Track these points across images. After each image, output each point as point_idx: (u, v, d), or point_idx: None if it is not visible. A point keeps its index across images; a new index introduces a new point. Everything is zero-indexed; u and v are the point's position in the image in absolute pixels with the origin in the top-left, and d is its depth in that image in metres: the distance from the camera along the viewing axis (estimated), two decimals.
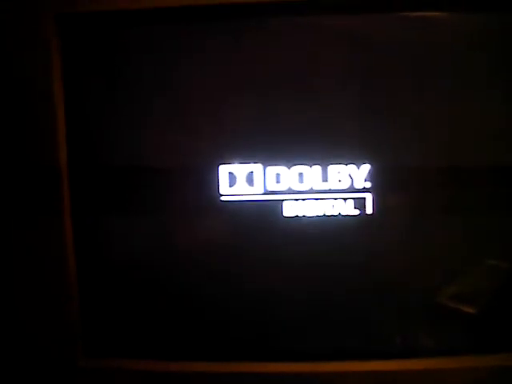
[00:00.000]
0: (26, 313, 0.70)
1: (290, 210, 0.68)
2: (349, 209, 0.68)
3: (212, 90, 0.68)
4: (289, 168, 0.67)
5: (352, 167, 0.67)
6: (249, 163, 0.67)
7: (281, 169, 0.67)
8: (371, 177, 0.67)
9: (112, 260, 0.71)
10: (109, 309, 0.72)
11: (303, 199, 0.67)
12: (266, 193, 0.68)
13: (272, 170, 0.67)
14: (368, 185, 0.67)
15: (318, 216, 0.68)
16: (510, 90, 0.66)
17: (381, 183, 0.67)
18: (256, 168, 0.67)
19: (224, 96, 0.68)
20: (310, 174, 0.67)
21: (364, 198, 0.67)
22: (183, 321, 0.72)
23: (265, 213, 0.68)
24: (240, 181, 0.67)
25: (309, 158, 0.67)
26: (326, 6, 0.65)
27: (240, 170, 0.67)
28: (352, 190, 0.67)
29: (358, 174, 0.67)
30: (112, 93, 0.68)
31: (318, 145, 0.67)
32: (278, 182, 0.67)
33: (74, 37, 0.67)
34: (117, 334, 0.72)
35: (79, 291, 0.70)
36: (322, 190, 0.67)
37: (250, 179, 0.67)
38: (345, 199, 0.67)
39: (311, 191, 0.67)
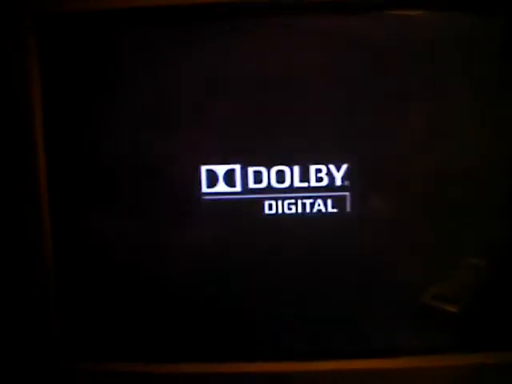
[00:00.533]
0: (5, 316, 0.70)
1: (270, 208, 0.68)
2: (330, 207, 0.68)
3: (193, 91, 0.68)
4: (268, 168, 0.67)
5: (332, 167, 0.67)
6: (229, 163, 0.67)
7: (261, 168, 0.67)
8: (351, 176, 0.67)
9: (95, 261, 0.71)
10: (90, 310, 0.71)
11: (283, 198, 0.68)
12: (247, 192, 0.68)
13: (252, 169, 0.67)
14: (348, 183, 0.67)
15: (298, 214, 0.68)
16: (495, 91, 0.67)
17: (361, 182, 0.67)
18: (236, 167, 0.67)
19: (205, 97, 0.68)
20: (289, 174, 0.67)
21: (344, 197, 0.67)
22: (166, 321, 0.71)
23: (246, 211, 0.68)
24: (221, 180, 0.67)
25: (289, 157, 0.67)
26: (308, 7, 0.65)
27: (221, 169, 0.67)
28: (332, 188, 0.67)
29: (338, 174, 0.67)
30: (92, 93, 0.68)
31: (297, 144, 0.67)
32: (258, 181, 0.67)
33: (53, 38, 0.66)
34: (99, 337, 0.72)
35: (60, 292, 0.70)
36: (302, 187, 0.67)
37: (230, 178, 0.67)
38: (325, 198, 0.68)
39: (291, 189, 0.67)
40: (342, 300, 0.70)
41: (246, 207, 0.68)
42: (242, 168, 0.67)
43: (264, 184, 0.67)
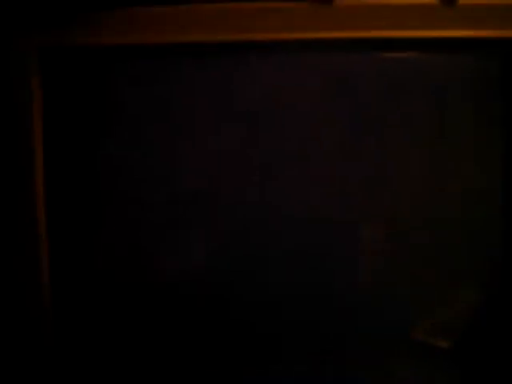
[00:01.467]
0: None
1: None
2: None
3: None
4: None
5: None
6: None
7: None
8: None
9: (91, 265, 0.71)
10: (85, 315, 0.71)
11: None
12: None
13: None
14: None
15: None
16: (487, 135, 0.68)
17: (351, 215, 0.69)
18: None
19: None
20: None
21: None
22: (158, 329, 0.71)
23: None
24: None
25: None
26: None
27: None
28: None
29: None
30: (90, 125, 0.69)
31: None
32: None
33: (57, 72, 0.68)
34: (93, 341, 0.72)
35: (55, 295, 0.70)
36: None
37: None
38: None
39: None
40: (332, 333, 0.70)
41: None
42: None
43: None
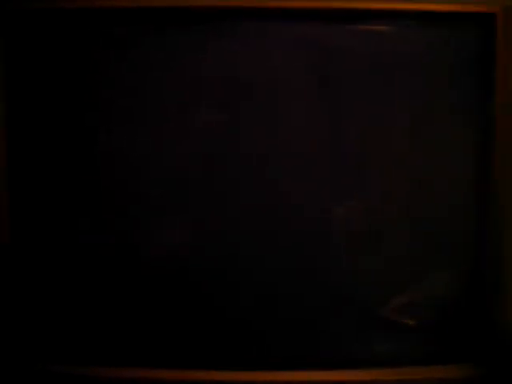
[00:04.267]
0: None
1: None
2: None
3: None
4: None
5: None
6: None
7: None
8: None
9: (72, 260, 0.69)
10: (67, 312, 0.70)
11: None
12: None
13: None
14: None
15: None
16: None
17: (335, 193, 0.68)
18: None
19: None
20: None
21: None
22: (145, 326, 0.70)
23: None
24: None
25: None
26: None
27: None
28: None
29: None
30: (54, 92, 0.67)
31: None
32: None
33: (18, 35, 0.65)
34: (75, 339, 0.71)
35: (41, 292, 0.69)
36: None
37: None
38: None
39: None
40: (307, 311, 0.70)
41: None
42: None
43: None
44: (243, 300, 0.69)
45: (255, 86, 0.67)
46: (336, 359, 0.70)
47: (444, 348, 0.70)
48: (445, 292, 0.70)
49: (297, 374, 0.69)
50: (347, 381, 0.68)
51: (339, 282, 0.69)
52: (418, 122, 0.68)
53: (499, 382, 0.68)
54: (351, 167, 0.68)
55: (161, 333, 0.70)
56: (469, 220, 0.69)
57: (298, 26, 0.66)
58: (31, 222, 0.69)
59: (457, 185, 0.69)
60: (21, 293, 0.69)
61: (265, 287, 0.69)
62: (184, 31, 0.65)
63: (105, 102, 0.67)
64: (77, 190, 0.68)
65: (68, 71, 0.67)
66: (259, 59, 0.67)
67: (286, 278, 0.69)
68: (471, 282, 0.69)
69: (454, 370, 0.69)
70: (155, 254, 0.69)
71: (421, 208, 0.69)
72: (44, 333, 0.70)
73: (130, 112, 0.67)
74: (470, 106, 0.67)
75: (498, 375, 0.68)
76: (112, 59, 0.67)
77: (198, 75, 0.67)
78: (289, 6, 0.64)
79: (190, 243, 0.69)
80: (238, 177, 0.68)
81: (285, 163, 0.68)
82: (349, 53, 0.66)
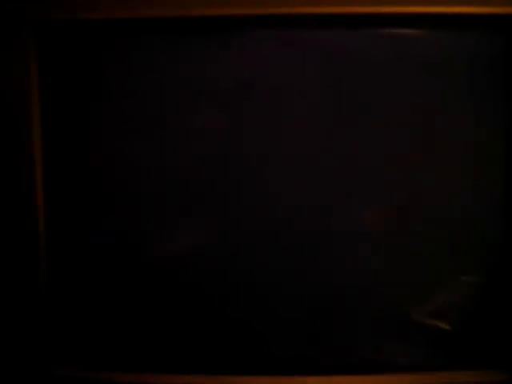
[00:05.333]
0: None
1: None
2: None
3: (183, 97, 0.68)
4: None
5: None
6: None
7: None
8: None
9: (89, 267, 0.70)
10: (85, 318, 0.71)
11: None
12: None
13: None
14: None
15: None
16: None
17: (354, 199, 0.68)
18: None
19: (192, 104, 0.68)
20: None
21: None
22: (159, 332, 0.71)
23: None
24: None
25: None
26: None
27: None
28: None
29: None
30: (86, 98, 0.68)
31: None
32: None
33: (52, 45, 0.67)
34: (91, 344, 0.71)
35: (52, 299, 0.69)
36: None
37: None
38: None
39: None
40: (335, 315, 0.69)
41: None
42: None
43: None
44: (251, 304, 0.70)
45: (262, 91, 0.67)
46: (359, 364, 0.70)
47: (472, 353, 0.70)
48: (474, 296, 0.70)
49: (327, 380, 0.69)
50: None
51: (365, 285, 0.69)
52: (441, 123, 0.67)
53: None
54: (369, 168, 0.68)
55: (163, 337, 0.71)
56: (496, 221, 0.68)
57: (303, 32, 0.67)
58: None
59: (482, 185, 0.68)
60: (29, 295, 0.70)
61: (274, 289, 0.69)
62: (190, 39, 0.67)
63: (123, 107, 0.68)
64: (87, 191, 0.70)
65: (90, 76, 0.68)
66: (265, 64, 0.67)
67: (294, 280, 0.69)
68: (501, 285, 0.69)
69: (483, 375, 0.68)
70: (160, 256, 0.70)
71: (446, 209, 0.68)
72: (51, 336, 0.70)
73: (149, 116, 0.68)
74: (494, 108, 0.67)
75: None
76: (117, 64, 0.68)
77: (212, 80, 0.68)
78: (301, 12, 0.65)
79: (193, 246, 0.70)
80: (242, 177, 0.68)
81: (289, 164, 0.68)
82: (363, 56, 0.67)
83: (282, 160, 0.68)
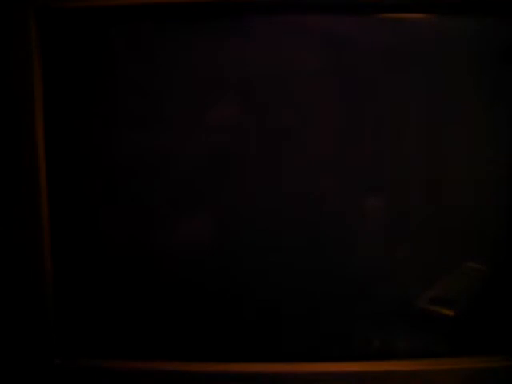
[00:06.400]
0: (1, 312, 0.69)
1: None
2: None
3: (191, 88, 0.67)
4: None
5: None
6: None
7: None
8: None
9: (92, 258, 0.70)
10: (87, 307, 0.71)
11: None
12: None
13: None
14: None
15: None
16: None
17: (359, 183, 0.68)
18: None
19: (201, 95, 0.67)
20: None
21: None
22: (162, 320, 0.71)
23: None
24: None
25: None
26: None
27: None
28: None
29: None
30: (90, 88, 0.67)
31: None
32: None
33: (54, 32, 0.66)
34: (93, 334, 0.71)
35: (56, 289, 0.69)
36: None
37: None
38: None
39: None
40: (340, 302, 0.70)
41: None
42: None
43: None
44: (260, 292, 0.70)
45: (268, 80, 0.67)
46: (363, 350, 0.70)
47: (474, 339, 0.70)
48: (476, 282, 0.70)
49: (330, 365, 0.69)
50: (378, 371, 0.69)
51: (368, 272, 0.70)
52: (447, 110, 0.68)
53: None
54: (373, 154, 0.68)
55: (176, 325, 0.71)
56: (500, 207, 0.68)
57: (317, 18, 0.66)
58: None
59: (489, 174, 0.68)
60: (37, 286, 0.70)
61: (283, 279, 0.70)
62: (196, 26, 0.66)
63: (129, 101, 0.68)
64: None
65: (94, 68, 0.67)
66: (269, 52, 0.66)
67: (298, 265, 0.69)
68: (503, 272, 0.69)
69: (485, 361, 0.69)
70: (163, 248, 0.70)
71: (451, 198, 0.69)
72: (53, 327, 0.70)
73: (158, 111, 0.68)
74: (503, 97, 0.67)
75: None
76: (121, 53, 0.67)
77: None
78: None
79: (199, 239, 0.70)
80: (253, 172, 0.68)
81: (301, 158, 0.68)
82: (376, 46, 0.66)
83: (296, 154, 0.68)
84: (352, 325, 0.71)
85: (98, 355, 0.71)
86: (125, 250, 0.70)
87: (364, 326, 0.71)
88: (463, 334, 0.71)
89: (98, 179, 0.69)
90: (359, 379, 0.69)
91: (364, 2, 0.64)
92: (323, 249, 0.69)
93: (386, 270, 0.70)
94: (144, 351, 0.71)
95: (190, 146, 0.68)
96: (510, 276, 0.69)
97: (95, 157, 0.68)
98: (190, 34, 0.65)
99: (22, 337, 0.69)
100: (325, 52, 0.66)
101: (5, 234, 0.67)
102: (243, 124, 0.68)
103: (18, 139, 0.66)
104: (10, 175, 0.66)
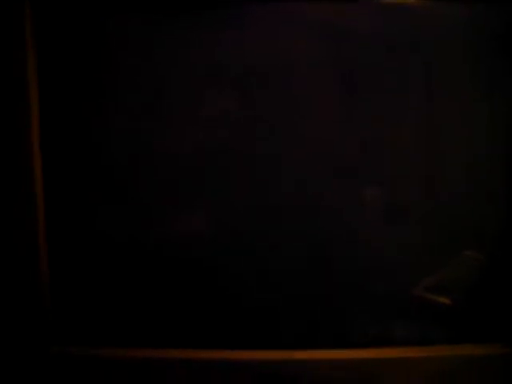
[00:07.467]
0: None
1: None
2: None
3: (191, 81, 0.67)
4: None
5: None
6: None
7: None
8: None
9: (88, 246, 0.71)
10: (82, 295, 0.71)
11: None
12: None
13: None
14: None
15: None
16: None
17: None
18: None
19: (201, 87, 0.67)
20: None
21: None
22: (157, 307, 0.71)
23: None
24: None
25: None
26: None
27: None
28: None
29: None
30: (85, 80, 0.67)
31: None
32: None
33: (50, 24, 0.66)
34: (89, 322, 0.72)
35: (52, 278, 0.70)
36: None
37: None
38: None
39: None
40: (336, 290, 0.70)
41: None
42: None
43: None
44: (261, 279, 0.70)
45: (273, 72, 0.67)
46: (364, 338, 0.71)
47: (472, 327, 0.71)
48: (474, 271, 0.70)
49: (326, 353, 0.70)
50: (377, 358, 0.69)
51: (366, 261, 0.70)
52: (448, 101, 0.67)
53: None
54: (374, 146, 0.68)
55: (176, 313, 0.71)
56: (497, 200, 0.69)
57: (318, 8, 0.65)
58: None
59: (487, 163, 0.68)
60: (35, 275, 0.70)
61: (283, 266, 0.70)
62: (193, 16, 0.65)
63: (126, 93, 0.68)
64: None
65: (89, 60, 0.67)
66: (276, 44, 0.66)
67: (300, 257, 0.70)
68: (501, 260, 0.69)
69: (482, 348, 0.70)
70: (159, 237, 0.71)
71: (448, 187, 0.69)
72: (49, 315, 0.71)
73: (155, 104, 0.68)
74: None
75: None
76: (117, 42, 0.67)
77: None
78: None
79: (205, 229, 0.70)
80: (250, 166, 0.68)
81: (301, 152, 0.68)
82: (375, 35, 0.66)
83: (295, 148, 0.68)
84: (349, 312, 0.71)
85: (94, 343, 0.71)
86: (121, 242, 0.70)
87: (360, 313, 0.71)
88: (460, 322, 0.71)
89: (93, 176, 0.69)
90: (356, 366, 0.69)
91: None
92: (320, 237, 0.69)
93: (382, 258, 0.70)
94: (140, 339, 0.71)
95: (188, 141, 0.68)
96: (507, 265, 0.69)
97: (91, 153, 0.68)
98: (187, 25, 0.65)
99: (19, 325, 0.69)
100: (323, 41, 0.66)
101: (2, 228, 0.68)
102: (241, 117, 0.67)
103: (13, 136, 0.66)
104: (5, 173, 0.66)
